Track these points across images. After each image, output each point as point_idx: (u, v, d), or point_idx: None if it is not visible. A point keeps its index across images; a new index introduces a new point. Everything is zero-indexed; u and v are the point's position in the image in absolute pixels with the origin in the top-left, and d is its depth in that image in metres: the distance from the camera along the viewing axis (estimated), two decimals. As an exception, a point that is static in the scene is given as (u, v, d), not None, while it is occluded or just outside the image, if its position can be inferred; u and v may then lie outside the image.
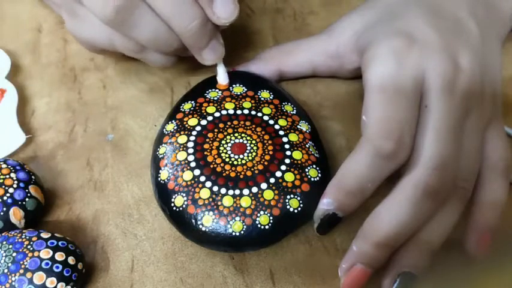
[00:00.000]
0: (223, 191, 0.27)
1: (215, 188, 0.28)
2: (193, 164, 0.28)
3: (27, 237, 0.27)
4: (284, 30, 0.39)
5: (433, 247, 0.28)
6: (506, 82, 0.39)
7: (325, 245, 0.30)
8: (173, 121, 0.31)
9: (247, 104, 0.31)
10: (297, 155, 0.29)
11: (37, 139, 0.35)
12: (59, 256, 0.27)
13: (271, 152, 0.29)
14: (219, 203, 0.27)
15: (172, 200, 0.28)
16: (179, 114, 0.31)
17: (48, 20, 0.42)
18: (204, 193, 0.27)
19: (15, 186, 0.29)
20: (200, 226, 0.27)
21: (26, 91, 0.38)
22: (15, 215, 0.29)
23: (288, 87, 0.38)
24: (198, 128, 0.30)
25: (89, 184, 0.33)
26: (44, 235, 0.27)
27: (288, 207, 0.28)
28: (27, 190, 0.29)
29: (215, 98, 0.32)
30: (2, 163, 0.30)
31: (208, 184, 0.28)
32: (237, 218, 0.27)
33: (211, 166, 0.28)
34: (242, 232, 0.27)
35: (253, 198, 0.27)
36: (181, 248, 0.30)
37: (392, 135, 0.27)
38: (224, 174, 0.28)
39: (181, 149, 0.29)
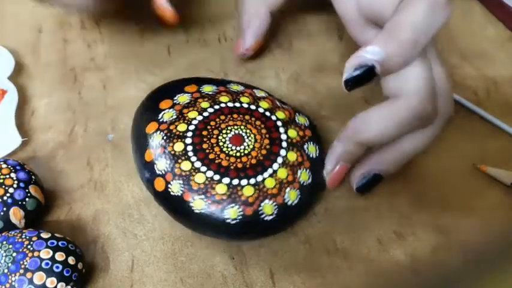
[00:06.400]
0: (243, 182, 0.28)
1: (235, 182, 0.28)
2: (203, 169, 0.28)
3: (27, 237, 0.27)
4: (284, 30, 0.39)
5: (407, 158, 0.30)
6: (506, 82, 0.40)
7: (325, 245, 0.31)
8: (159, 133, 0.30)
9: (224, 99, 0.31)
10: (292, 133, 0.30)
11: (37, 139, 0.35)
12: (59, 256, 0.27)
13: (267, 135, 0.30)
14: (240, 193, 0.27)
15: (191, 205, 0.28)
16: (162, 126, 0.30)
17: (48, 20, 0.42)
18: (220, 189, 0.28)
19: (15, 186, 0.29)
20: (228, 220, 0.27)
21: (26, 91, 0.38)
22: (15, 215, 0.29)
23: (288, 87, 0.38)
24: (190, 134, 0.29)
25: (89, 184, 0.33)
26: (44, 235, 0.27)
27: (301, 181, 0.29)
28: (27, 190, 0.29)
29: (185, 102, 0.31)
30: (2, 163, 0.30)
31: (226, 180, 0.28)
32: (266, 201, 0.28)
33: (216, 162, 0.28)
34: (274, 215, 0.28)
35: (275, 177, 0.28)
36: (181, 248, 0.30)
37: None
38: (232, 167, 0.28)
39: (183, 159, 0.29)
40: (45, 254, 0.26)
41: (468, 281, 0.30)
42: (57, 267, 0.26)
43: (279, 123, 0.31)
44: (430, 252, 0.31)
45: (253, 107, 0.31)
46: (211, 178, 0.28)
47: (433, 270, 0.30)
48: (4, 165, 0.30)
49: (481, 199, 0.33)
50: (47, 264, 0.26)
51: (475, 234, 0.32)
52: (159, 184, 0.28)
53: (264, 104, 0.31)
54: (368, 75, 0.26)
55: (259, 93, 0.33)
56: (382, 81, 0.29)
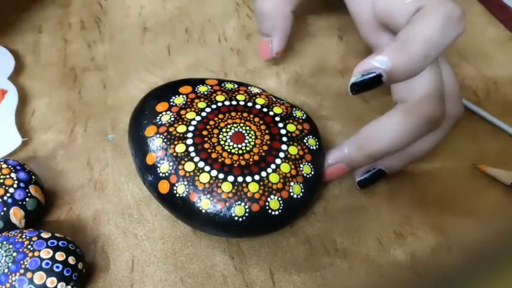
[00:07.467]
0: (249, 179, 0.28)
1: (239, 179, 0.28)
2: (207, 168, 0.28)
3: (28, 237, 0.27)
4: (284, 30, 0.39)
5: (414, 158, 0.31)
6: (506, 82, 0.40)
7: (325, 245, 0.31)
8: (159, 136, 0.30)
9: (220, 98, 0.31)
10: (291, 127, 0.31)
11: (37, 139, 0.35)
12: (59, 256, 0.27)
13: (266, 131, 0.30)
14: (246, 190, 0.28)
15: (199, 205, 0.28)
16: (161, 128, 0.30)
17: (48, 20, 0.42)
18: (226, 187, 0.28)
19: (15, 186, 0.29)
20: (236, 218, 0.27)
21: (26, 91, 0.38)
22: (16, 215, 0.29)
23: (287, 87, 0.38)
24: (190, 135, 0.29)
25: (89, 184, 0.33)
26: (44, 235, 0.27)
27: (305, 175, 0.29)
28: (27, 190, 0.29)
29: (182, 104, 0.31)
30: (2, 163, 0.30)
31: (231, 178, 0.28)
32: (272, 196, 0.28)
33: (219, 160, 0.28)
34: (280, 210, 0.28)
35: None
36: (181, 248, 0.30)
37: None
38: (235, 165, 0.28)
39: (186, 160, 0.29)
40: (46, 253, 0.26)
41: (468, 281, 0.30)
42: (58, 267, 0.26)
43: (277, 118, 0.31)
44: (430, 252, 0.31)
45: (249, 104, 0.31)
46: (216, 177, 0.28)
47: (433, 270, 0.30)
48: (4, 165, 0.30)
49: (481, 199, 0.33)
50: (47, 264, 0.26)
51: (475, 234, 0.32)
52: (163, 187, 0.28)
53: (260, 101, 0.32)
54: (374, 82, 0.26)
55: (254, 90, 0.33)
56: (391, 85, 0.29)
